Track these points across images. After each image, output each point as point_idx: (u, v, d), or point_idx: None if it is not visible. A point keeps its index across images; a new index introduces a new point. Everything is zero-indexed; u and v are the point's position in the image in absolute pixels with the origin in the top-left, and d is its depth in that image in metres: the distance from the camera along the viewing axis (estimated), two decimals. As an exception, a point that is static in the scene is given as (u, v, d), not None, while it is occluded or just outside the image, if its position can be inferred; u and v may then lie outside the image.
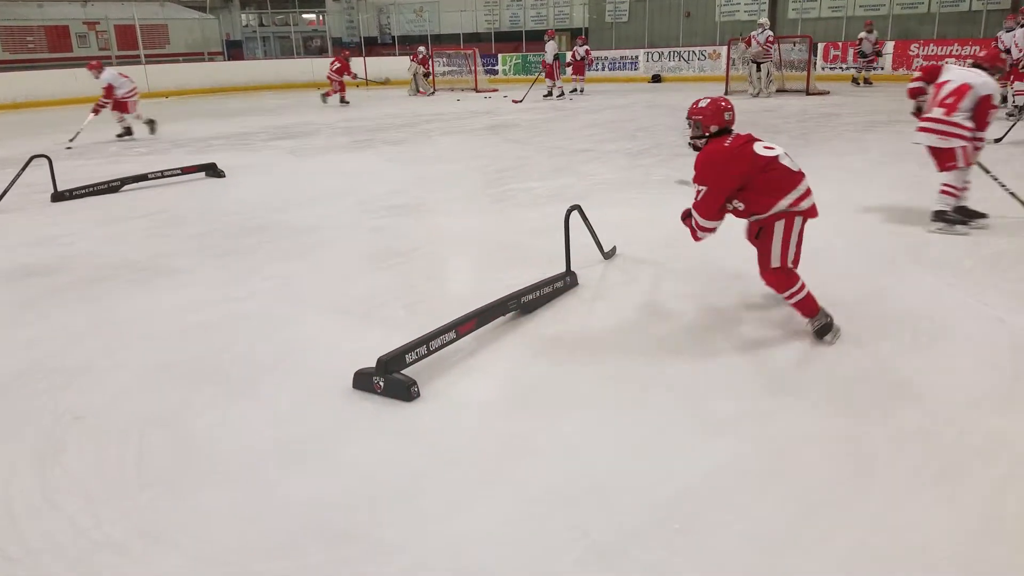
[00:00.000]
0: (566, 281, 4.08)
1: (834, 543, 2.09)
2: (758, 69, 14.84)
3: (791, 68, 15.75)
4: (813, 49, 15.72)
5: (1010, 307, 3.69)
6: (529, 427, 2.77)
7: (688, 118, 3.59)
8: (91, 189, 7.18)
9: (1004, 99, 11.03)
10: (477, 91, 19.25)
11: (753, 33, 14.80)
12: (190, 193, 7.32)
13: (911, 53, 16.95)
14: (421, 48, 19.68)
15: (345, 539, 2.17)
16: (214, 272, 4.77)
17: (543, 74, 16.88)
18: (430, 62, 19.48)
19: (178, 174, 7.76)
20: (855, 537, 2.11)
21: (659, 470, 2.47)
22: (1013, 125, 8.70)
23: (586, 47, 17.49)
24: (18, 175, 6.90)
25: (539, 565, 2.04)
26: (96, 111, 10.91)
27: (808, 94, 14.77)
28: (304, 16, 28.62)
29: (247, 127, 12.66)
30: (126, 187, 7.38)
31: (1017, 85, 10.38)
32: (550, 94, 16.60)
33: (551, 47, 16.61)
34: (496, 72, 22.64)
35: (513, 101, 15.83)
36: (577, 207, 4.23)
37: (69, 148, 10.38)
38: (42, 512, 2.35)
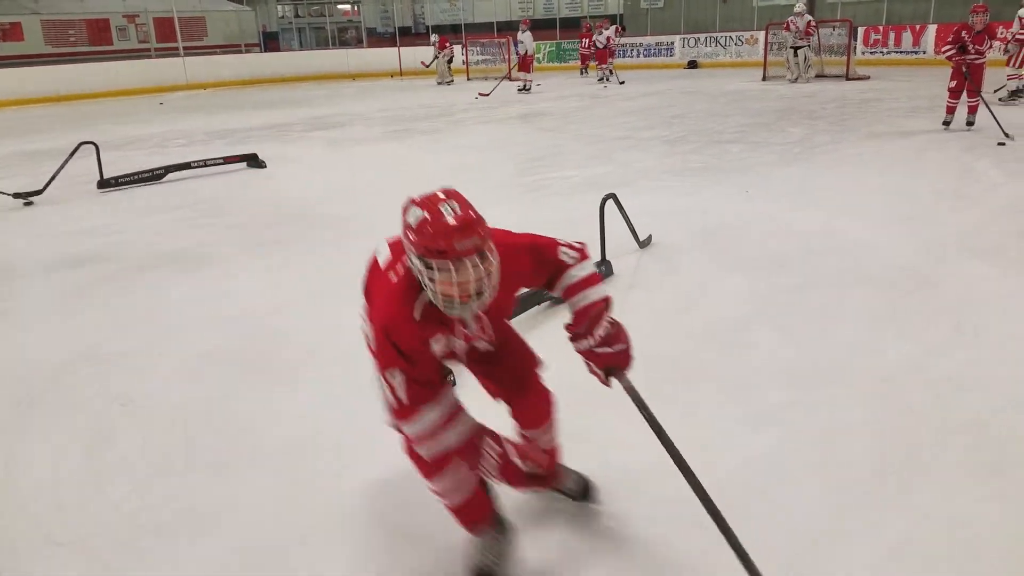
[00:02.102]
0: (601, 270, 4.06)
1: (879, 537, 2.05)
2: (795, 55, 14.59)
3: (830, 53, 15.46)
4: (853, 33, 15.40)
5: (1061, 297, 3.60)
6: (568, 418, 2.75)
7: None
8: (135, 177, 7.31)
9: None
10: (511, 80, 19.20)
11: (791, 18, 14.54)
12: (231, 183, 7.41)
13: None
14: (434, 37, 19.63)
15: (385, 526, 2.19)
16: (256, 261, 4.83)
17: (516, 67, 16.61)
18: (449, 47, 19.29)
19: (220, 163, 7.88)
20: (901, 531, 2.07)
21: (701, 460, 2.44)
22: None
23: (607, 33, 16.70)
24: (66, 161, 7.05)
25: (574, 555, 2.03)
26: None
27: (848, 79, 14.50)
28: (339, 7, 28.78)
29: (284, 118, 12.77)
30: (169, 176, 7.50)
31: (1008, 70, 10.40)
32: (525, 88, 15.95)
33: (527, 39, 16.25)
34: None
35: (480, 95, 15.17)
36: (612, 195, 4.20)
37: None
38: (90, 497, 2.40)
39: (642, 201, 5.33)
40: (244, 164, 8.09)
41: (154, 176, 7.43)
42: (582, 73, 18.84)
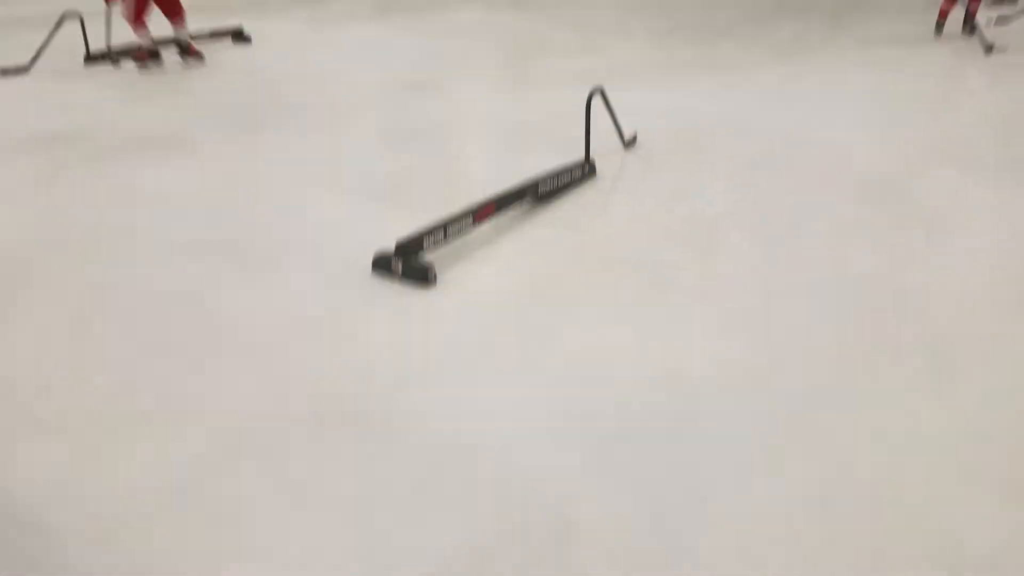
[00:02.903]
0: (584, 170, 4.06)
1: (834, 440, 2.17)
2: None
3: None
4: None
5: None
6: (545, 318, 2.84)
7: None
8: (123, 51, 7.06)
9: None
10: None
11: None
12: (212, 62, 7.17)
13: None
14: None
15: (361, 415, 2.28)
16: (235, 147, 4.76)
17: None
18: None
19: (207, 38, 7.60)
20: (849, 434, 2.18)
21: (669, 362, 2.55)
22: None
23: None
24: (51, 36, 6.78)
25: (550, 442, 2.15)
26: None
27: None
28: None
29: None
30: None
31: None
32: None
33: None
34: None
35: None
36: (600, 90, 4.15)
37: None
38: (73, 381, 2.47)
39: (627, 97, 5.25)
40: (229, 39, 7.82)
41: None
42: None
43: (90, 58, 6.93)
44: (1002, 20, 5.99)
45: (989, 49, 6.68)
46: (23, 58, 6.68)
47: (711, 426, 2.22)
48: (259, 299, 2.97)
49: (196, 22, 8.98)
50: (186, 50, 6.98)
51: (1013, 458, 2.08)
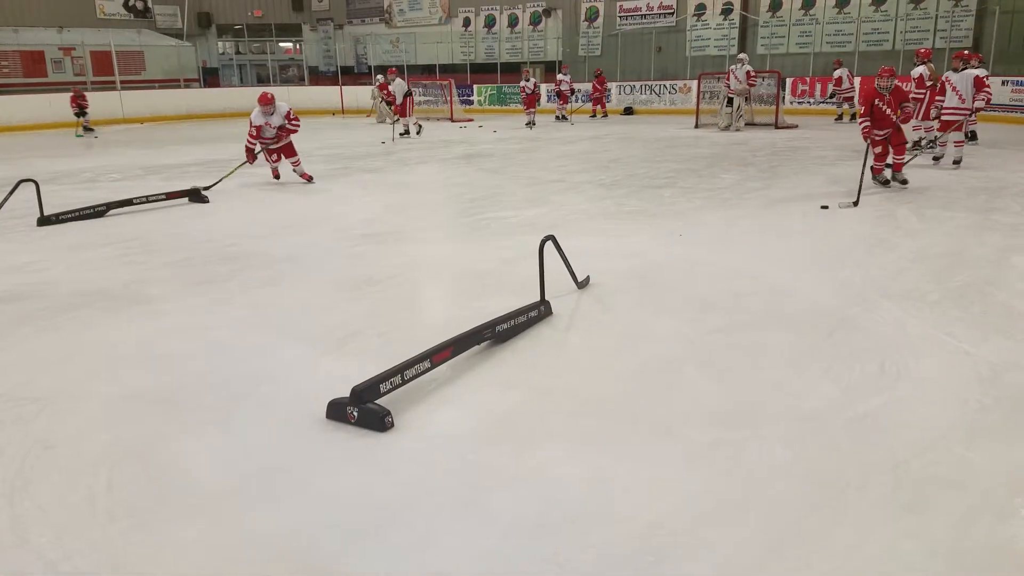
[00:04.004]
0: (540, 310, 4.11)
1: (808, 574, 2.11)
2: (729, 104, 15.10)
3: (760, 102, 16.07)
4: (782, 84, 16.06)
5: (975, 339, 3.77)
6: (503, 458, 2.78)
7: None
8: (77, 213, 7.15)
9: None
10: (452, 120, 19.42)
11: (732, 67, 15.07)
12: (169, 219, 7.29)
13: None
14: (379, 76, 19.83)
15: (315, 573, 2.16)
16: (188, 300, 4.74)
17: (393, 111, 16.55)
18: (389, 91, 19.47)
19: (163, 199, 7.76)
20: (824, 569, 2.13)
21: (631, 501, 2.49)
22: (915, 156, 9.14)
23: (535, 80, 18.82)
24: (4, 200, 6.85)
25: None
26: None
27: (777, 128, 15.07)
28: (281, 45, 28.71)
29: (221, 154, 12.62)
30: (111, 212, 7.36)
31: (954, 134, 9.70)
32: (407, 132, 15.67)
33: (398, 85, 15.88)
34: (472, 102, 22.86)
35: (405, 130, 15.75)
36: (551, 237, 4.28)
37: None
38: (10, 545, 2.31)
39: (579, 243, 5.43)
40: (186, 200, 7.98)
41: (96, 212, 7.27)
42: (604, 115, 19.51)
43: (43, 220, 6.97)
44: (845, 204, 6.63)
45: (854, 204, 7.08)
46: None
47: (679, 567, 2.15)
48: (210, 452, 2.86)
49: (154, 184, 9.19)
50: None
51: (989, 585, 2.04)
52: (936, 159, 9.73)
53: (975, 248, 5.50)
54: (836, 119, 16.49)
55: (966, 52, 10.74)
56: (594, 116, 19.30)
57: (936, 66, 11.40)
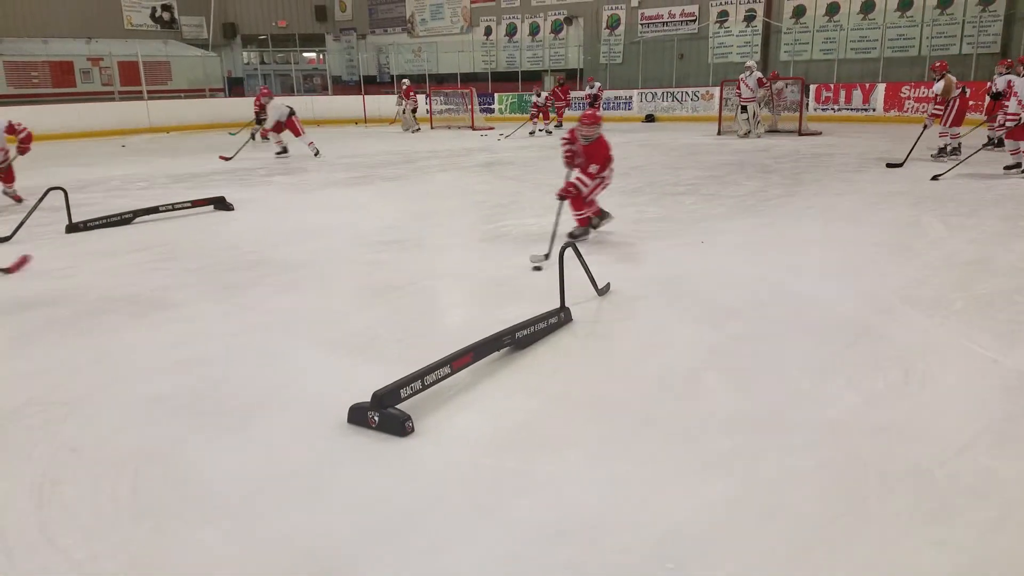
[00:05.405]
0: (560, 317, 4.12)
1: (826, 582, 2.09)
2: (744, 111, 15.06)
3: (783, 109, 15.97)
4: (805, 90, 15.96)
5: (1002, 348, 3.73)
6: (523, 464, 2.78)
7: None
8: (104, 221, 7.27)
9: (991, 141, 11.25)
10: (473, 129, 19.49)
11: (742, 76, 15.02)
12: (194, 227, 7.38)
13: (902, 95, 17.23)
14: (406, 80, 19.95)
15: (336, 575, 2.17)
16: (212, 306, 4.79)
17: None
18: (413, 95, 19.50)
19: (188, 207, 7.86)
20: (847, 576, 2.11)
21: (653, 508, 2.48)
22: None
23: (546, 93, 18.10)
24: (34, 207, 6.98)
25: None
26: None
27: (800, 135, 14.97)
28: (305, 55, 28.98)
29: (247, 163, 12.76)
30: (137, 220, 7.48)
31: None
32: (284, 151, 13.52)
33: (274, 106, 13.24)
34: (492, 111, 22.92)
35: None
36: (571, 244, 4.28)
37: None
38: (38, 546, 2.34)
39: (600, 250, 5.43)
40: (211, 207, 8.09)
41: (122, 220, 7.39)
42: (559, 126, 18.96)
43: (72, 227, 7.09)
44: (537, 259, 5.21)
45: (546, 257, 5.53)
46: (6, 230, 6.84)
47: (697, 573, 2.14)
48: (233, 456, 2.89)
49: (180, 193, 9.32)
50: None
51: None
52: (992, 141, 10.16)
53: (1003, 256, 5.43)
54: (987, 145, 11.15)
55: None
56: (559, 126, 18.53)
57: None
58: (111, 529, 2.42)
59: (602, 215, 6.45)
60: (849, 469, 2.67)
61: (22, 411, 3.29)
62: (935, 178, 8.89)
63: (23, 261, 5.44)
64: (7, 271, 5.41)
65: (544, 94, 17.74)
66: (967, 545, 2.25)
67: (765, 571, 2.15)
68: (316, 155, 13.22)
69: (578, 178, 6.02)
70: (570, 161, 6.25)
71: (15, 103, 19.42)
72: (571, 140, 6.25)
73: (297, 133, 13.23)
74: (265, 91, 13.89)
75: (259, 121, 14.26)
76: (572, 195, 6.03)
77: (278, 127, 13.23)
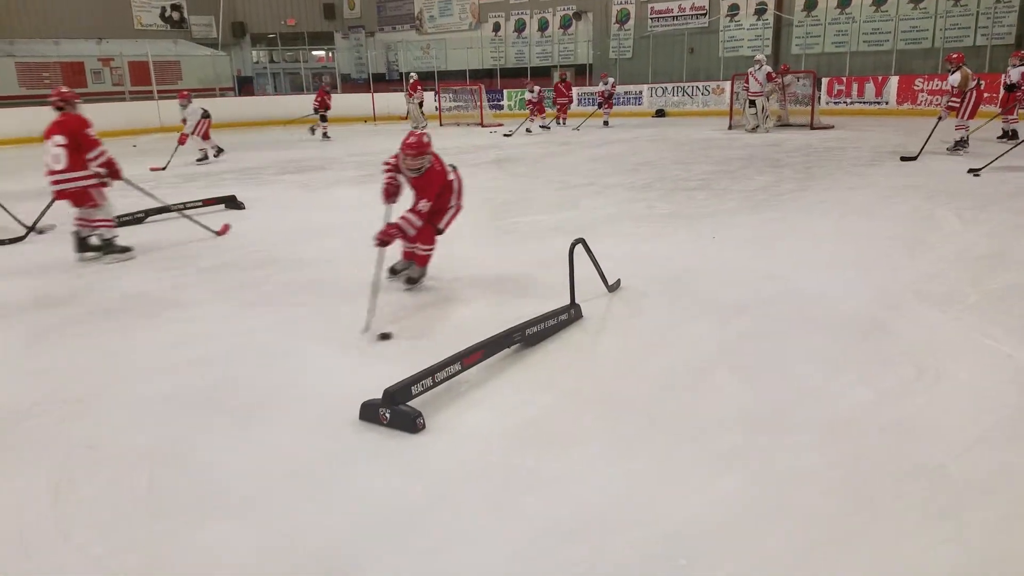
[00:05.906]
0: (571, 313, 4.12)
1: (838, 577, 2.09)
2: (752, 105, 14.98)
3: (795, 103, 15.88)
4: (817, 84, 15.86)
5: (1016, 342, 3.70)
6: (534, 460, 2.78)
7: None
8: (116, 221, 7.29)
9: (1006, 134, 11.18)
10: (483, 125, 19.48)
11: (751, 70, 14.94)
12: (207, 225, 7.39)
13: (915, 88, 17.10)
14: (413, 74, 20.00)
15: (346, 572, 2.18)
16: (223, 304, 4.82)
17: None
18: (420, 90, 19.54)
19: (199, 206, 7.89)
20: (859, 575, 2.11)
21: (663, 505, 2.48)
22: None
23: (539, 88, 17.80)
24: (48, 207, 7.02)
25: None
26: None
27: (812, 128, 14.89)
28: (314, 53, 29.04)
29: (257, 161, 12.80)
30: (149, 219, 7.52)
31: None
32: (204, 158, 12.98)
33: (191, 112, 12.75)
34: (501, 107, 22.89)
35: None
36: (581, 240, 4.28)
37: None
38: (55, 542, 2.37)
39: (610, 246, 5.42)
40: (222, 206, 8.12)
41: (134, 219, 7.42)
42: (559, 122, 18.89)
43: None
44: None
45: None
46: (20, 229, 6.89)
47: (709, 572, 2.14)
48: (246, 453, 2.91)
49: (191, 192, 9.36)
50: None
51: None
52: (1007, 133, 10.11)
53: (1018, 250, 5.39)
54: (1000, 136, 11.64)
55: None
56: (558, 123, 18.53)
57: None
58: (128, 526, 2.45)
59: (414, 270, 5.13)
60: (860, 466, 2.66)
61: (37, 408, 3.32)
62: (974, 172, 8.72)
63: (225, 229, 6.96)
64: (219, 233, 6.84)
65: (537, 88, 17.68)
66: (978, 542, 2.24)
67: (775, 568, 2.15)
68: (217, 155, 13.34)
69: (403, 217, 4.80)
70: (389, 195, 4.94)
71: (27, 103, 19.56)
72: (394, 168, 4.96)
73: (206, 137, 13.05)
74: (183, 94, 13.18)
75: (322, 118, 16.76)
76: (393, 239, 4.73)
77: (206, 134, 13.07)
